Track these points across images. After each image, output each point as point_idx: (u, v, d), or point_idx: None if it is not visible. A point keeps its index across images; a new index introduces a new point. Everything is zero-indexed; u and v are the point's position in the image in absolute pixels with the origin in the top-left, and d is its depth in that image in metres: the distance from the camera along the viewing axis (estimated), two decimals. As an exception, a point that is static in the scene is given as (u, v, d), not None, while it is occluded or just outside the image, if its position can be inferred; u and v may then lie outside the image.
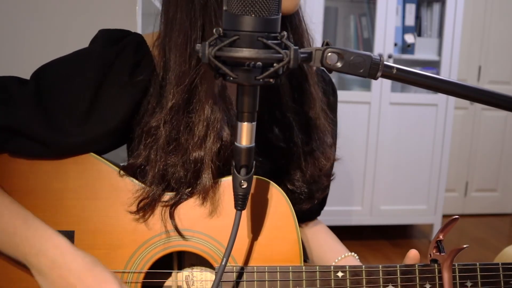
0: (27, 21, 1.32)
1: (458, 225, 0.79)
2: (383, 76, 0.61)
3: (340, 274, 0.77)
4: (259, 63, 0.53)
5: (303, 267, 0.77)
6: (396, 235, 3.35)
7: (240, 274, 0.76)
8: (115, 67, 0.79)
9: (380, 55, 0.61)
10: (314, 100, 0.88)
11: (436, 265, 0.79)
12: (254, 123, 0.61)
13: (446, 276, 0.76)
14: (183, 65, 0.76)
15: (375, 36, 2.93)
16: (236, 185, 0.65)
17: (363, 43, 3.13)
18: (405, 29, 3.08)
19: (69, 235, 0.77)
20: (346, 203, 3.07)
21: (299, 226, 1.00)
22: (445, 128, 3.09)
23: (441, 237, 0.78)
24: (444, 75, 3.00)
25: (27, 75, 0.80)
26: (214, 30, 0.53)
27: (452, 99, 3.07)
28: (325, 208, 1.03)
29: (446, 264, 0.76)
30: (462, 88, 0.63)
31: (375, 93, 2.98)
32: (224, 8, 0.54)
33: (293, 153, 0.88)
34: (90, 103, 0.77)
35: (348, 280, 0.77)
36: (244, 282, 0.76)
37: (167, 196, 0.78)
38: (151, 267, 0.78)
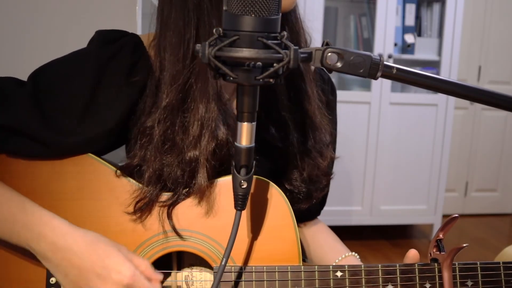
0: (27, 21, 1.32)
1: (458, 225, 0.79)
2: (383, 76, 0.61)
3: (339, 273, 0.77)
4: (259, 63, 0.53)
5: (302, 267, 0.77)
6: (396, 235, 3.35)
7: (238, 274, 0.76)
8: (112, 67, 0.79)
9: (380, 55, 0.61)
10: (310, 98, 0.88)
11: (436, 264, 0.78)
12: (254, 123, 0.61)
13: (446, 275, 0.76)
14: (177, 65, 0.76)
15: (375, 36, 2.93)
16: (236, 185, 0.65)
17: (363, 43, 3.13)
18: (405, 29, 3.08)
19: None
20: (346, 203, 3.07)
21: (299, 226, 1.00)
22: (445, 128, 3.09)
23: (441, 236, 0.78)
24: (444, 75, 3.00)
25: (27, 76, 0.80)
26: (214, 30, 0.54)
27: (452, 99, 3.07)
28: (325, 208, 1.03)
29: (446, 263, 0.76)
30: (462, 88, 0.63)
31: (375, 93, 2.98)
32: (224, 8, 0.54)
33: (289, 152, 0.88)
34: (87, 104, 0.78)
35: (347, 279, 0.77)
36: (243, 282, 0.76)
37: (165, 196, 0.78)
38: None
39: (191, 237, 0.78)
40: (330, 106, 0.97)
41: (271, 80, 0.55)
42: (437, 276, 0.78)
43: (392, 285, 0.78)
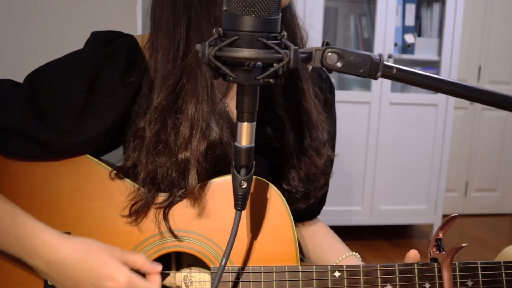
0: (27, 21, 1.32)
1: (458, 225, 0.79)
2: (383, 76, 0.61)
3: (337, 274, 0.77)
4: (259, 63, 0.53)
5: (300, 267, 0.77)
6: (396, 235, 3.35)
7: (236, 275, 0.76)
8: (108, 68, 0.79)
9: (380, 55, 0.61)
10: (306, 95, 0.88)
11: (435, 264, 0.78)
12: (254, 123, 0.61)
13: (446, 275, 0.75)
14: (168, 65, 0.76)
15: (375, 36, 2.93)
16: (236, 185, 0.65)
17: (363, 43, 3.13)
18: (405, 29, 3.07)
19: None
20: (346, 203, 3.07)
21: (298, 225, 1.00)
22: (445, 128, 3.09)
23: (440, 235, 0.78)
24: (444, 75, 3.00)
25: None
26: (214, 30, 0.54)
27: (452, 99, 3.07)
28: (325, 208, 1.03)
29: (446, 262, 0.75)
30: (462, 88, 0.63)
31: (375, 93, 2.98)
32: (224, 8, 0.54)
33: (285, 152, 0.88)
34: (84, 104, 0.78)
35: (345, 280, 0.77)
36: (240, 282, 0.75)
37: (161, 197, 0.78)
38: None
39: (187, 238, 0.78)
40: (328, 104, 0.97)
41: (271, 80, 0.55)
42: (436, 276, 0.78)
43: (391, 285, 0.77)
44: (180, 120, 0.77)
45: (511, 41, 3.72)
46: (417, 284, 0.78)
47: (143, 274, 0.74)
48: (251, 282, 0.75)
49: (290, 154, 0.88)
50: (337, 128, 1.02)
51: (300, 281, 0.76)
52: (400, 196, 3.13)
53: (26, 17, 1.32)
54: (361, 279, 0.77)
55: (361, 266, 0.77)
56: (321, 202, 1.01)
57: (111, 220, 0.78)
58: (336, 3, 3.19)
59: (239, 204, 0.66)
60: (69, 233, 0.77)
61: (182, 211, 0.78)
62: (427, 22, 3.14)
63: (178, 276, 0.83)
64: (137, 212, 0.77)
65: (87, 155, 0.80)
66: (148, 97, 0.79)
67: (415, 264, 0.78)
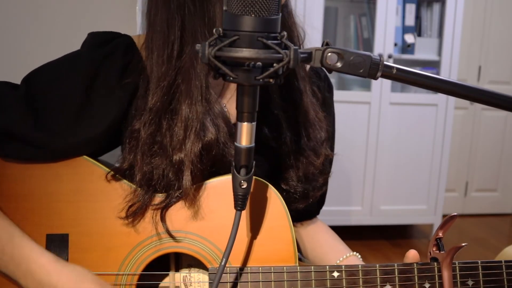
0: (27, 21, 1.32)
1: (458, 225, 0.79)
2: (383, 76, 0.61)
3: (335, 274, 0.76)
4: (259, 63, 0.53)
5: (298, 267, 0.76)
6: (396, 235, 3.35)
7: (235, 275, 0.76)
8: (105, 69, 0.79)
9: (380, 55, 0.61)
10: (302, 94, 0.87)
11: (435, 263, 0.78)
12: (254, 123, 0.61)
13: (446, 274, 0.75)
14: (162, 66, 0.76)
15: (375, 36, 2.93)
16: (236, 185, 0.65)
17: (363, 43, 3.13)
18: (405, 29, 3.07)
19: (64, 238, 0.77)
20: (346, 203, 3.07)
21: (296, 225, 1.00)
22: (445, 128, 3.09)
23: (440, 234, 0.78)
24: (444, 75, 3.00)
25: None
26: (214, 30, 0.54)
27: (452, 99, 3.07)
28: (325, 208, 1.03)
29: (446, 262, 0.75)
30: (462, 88, 0.63)
31: (375, 93, 2.98)
32: (224, 8, 0.54)
33: (283, 152, 0.87)
34: (81, 105, 0.78)
35: (344, 280, 0.76)
36: (238, 282, 0.75)
37: (157, 198, 0.78)
38: (145, 269, 0.78)
39: (185, 238, 0.78)
40: (327, 103, 0.97)
41: (271, 80, 0.55)
42: (436, 275, 0.78)
43: (390, 285, 0.77)
44: (175, 121, 0.76)
45: (511, 41, 3.72)
46: (416, 284, 0.77)
47: None
48: (249, 282, 0.75)
49: (287, 154, 0.87)
50: (337, 128, 1.02)
51: (299, 281, 0.76)
52: (400, 196, 3.13)
53: (26, 17, 1.32)
54: (360, 279, 0.77)
55: (360, 266, 0.77)
56: (321, 202, 1.00)
57: (109, 221, 0.78)
58: (336, 3, 3.19)
59: (239, 204, 0.66)
60: (67, 234, 0.77)
61: (179, 212, 0.78)
62: (427, 22, 3.14)
63: (177, 277, 0.83)
64: (135, 214, 0.77)
65: (85, 156, 0.80)
66: (144, 98, 0.78)
67: (415, 264, 0.78)
